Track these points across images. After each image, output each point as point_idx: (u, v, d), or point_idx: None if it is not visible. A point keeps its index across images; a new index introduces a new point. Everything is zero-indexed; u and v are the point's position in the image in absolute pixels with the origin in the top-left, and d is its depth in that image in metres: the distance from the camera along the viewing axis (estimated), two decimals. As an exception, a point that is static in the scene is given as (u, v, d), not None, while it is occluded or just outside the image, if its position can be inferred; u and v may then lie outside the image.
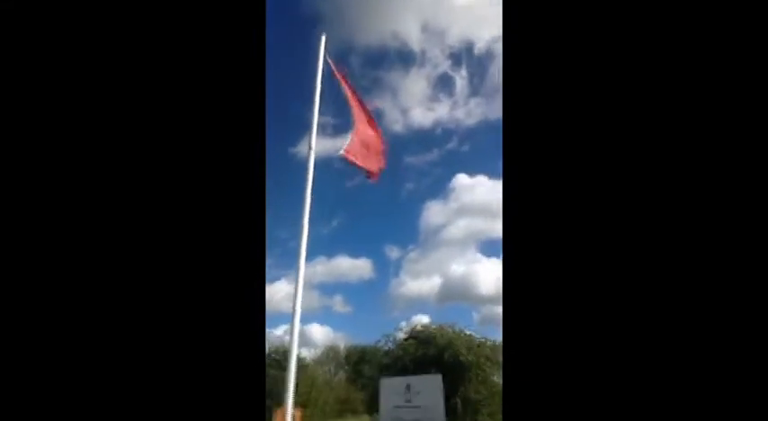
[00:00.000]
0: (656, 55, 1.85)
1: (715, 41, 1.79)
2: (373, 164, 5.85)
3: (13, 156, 1.80)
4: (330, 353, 34.65)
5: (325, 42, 5.75)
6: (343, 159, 5.41)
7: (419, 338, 14.83)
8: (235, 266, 1.94)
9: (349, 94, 5.94)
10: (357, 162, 5.60)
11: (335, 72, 5.87)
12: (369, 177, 5.80)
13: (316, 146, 5.16)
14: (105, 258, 1.82)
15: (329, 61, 5.75)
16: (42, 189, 1.81)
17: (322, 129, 5.37)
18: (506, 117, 2.01)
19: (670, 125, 1.79)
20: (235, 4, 2.11)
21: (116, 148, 1.90)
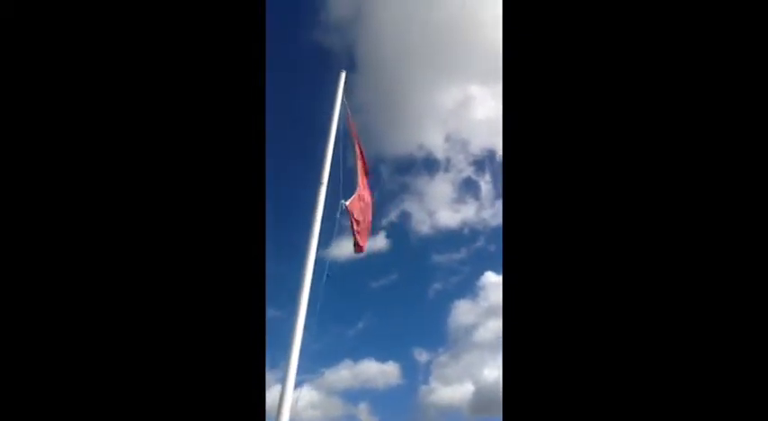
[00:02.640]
0: (648, 92, 1.84)
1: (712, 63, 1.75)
2: (363, 235, 5.52)
3: (13, 156, 1.78)
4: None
5: (345, 82, 5.48)
6: (345, 212, 5.04)
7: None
8: (235, 272, 1.91)
9: (358, 152, 5.74)
10: (355, 226, 5.26)
11: (349, 120, 5.63)
12: (356, 249, 5.41)
13: (339, 249, 4.98)
14: (103, 270, 1.79)
15: (347, 109, 5.50)
16: (41, 189, 1.78)
17: (346, 231, 5.23)
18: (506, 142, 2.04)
19: (675, 163, 1.76)
20: (235, 7, 2.10)
21: (115, 152, 1.87)
